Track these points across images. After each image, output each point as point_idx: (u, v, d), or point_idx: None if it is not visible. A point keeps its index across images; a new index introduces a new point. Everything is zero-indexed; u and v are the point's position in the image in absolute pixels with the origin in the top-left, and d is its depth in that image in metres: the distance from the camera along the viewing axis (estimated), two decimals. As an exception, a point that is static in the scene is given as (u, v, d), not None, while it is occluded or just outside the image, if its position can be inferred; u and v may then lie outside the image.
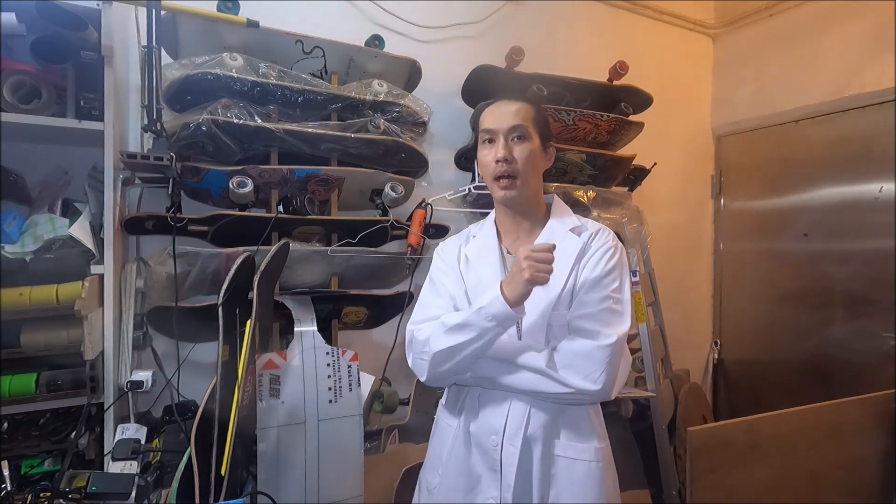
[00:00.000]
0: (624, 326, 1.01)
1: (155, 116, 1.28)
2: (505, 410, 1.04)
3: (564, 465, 1.03)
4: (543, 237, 1.10)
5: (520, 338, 1.06)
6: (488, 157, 1.07)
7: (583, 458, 1.04)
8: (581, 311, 1.02)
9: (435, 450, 1.15)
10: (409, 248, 1.68)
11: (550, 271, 0.93)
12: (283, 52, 1.60)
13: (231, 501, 1.01)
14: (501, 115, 1.07)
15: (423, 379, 1.07)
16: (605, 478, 1.05)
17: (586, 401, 1.05)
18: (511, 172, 1.05)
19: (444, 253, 1.20)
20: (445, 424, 1.14)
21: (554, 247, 0.95)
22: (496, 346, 1.03)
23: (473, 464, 1.06)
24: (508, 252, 1.12)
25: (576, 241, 1.08)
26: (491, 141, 1.08)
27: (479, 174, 1.64)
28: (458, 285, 1.12)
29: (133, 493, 1.05)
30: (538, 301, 1.04)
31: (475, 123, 1.14)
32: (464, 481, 1.06)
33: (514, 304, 0.95)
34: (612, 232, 1.13)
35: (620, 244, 1.11)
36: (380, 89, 1.66)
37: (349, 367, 1.46)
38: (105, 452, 1.33)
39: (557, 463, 1.03)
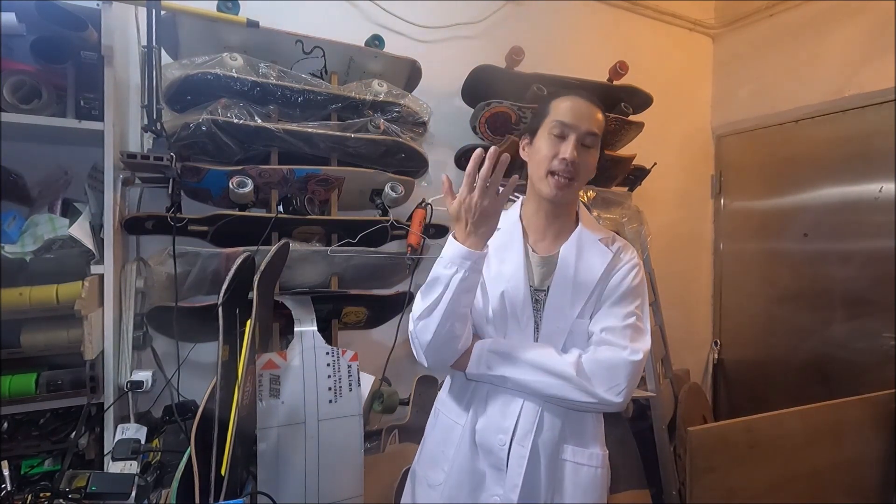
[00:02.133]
0: (647, 344, 1.03)
1: (155, 116, 1.28)
2: (515, 411, 1.04)
3: (571, 469, 1.05)
4: (573, 242, 1.09)
5: (536, 340, 1.05)
6: (552, 150, 1.02)
7: (590, 465, 1.06)
8: (606, 323, 1.03)
9: (437, 445, 1.13)
10: (409, 248, 1.68)
11: (492, 214, 0.93)
12: (283, 52, 1.60)
13: (231, 501, 1.01)
14: (582, 114, 1.03)
15: (422, 361, 1.02)
16: (605, 484, 1.08)
17: (600, 410, 1.05)
18: (573, 175, 1.02)
19: None
20: (450, 421, 1.13)
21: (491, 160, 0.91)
22: (516, 347, 1.02)
23: (477, 461, 1.07)
24: (533, 250, 1.10)
25: (605, 251, 1.08)
26: (562, 136, 1.03)
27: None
28: None
29: (133, 493, 1.05)
30: (563, 307, 1.04)
31: (541, 111, 1.09)
32: (468, 479, 1.06)
33: (471, 247, 0.93)
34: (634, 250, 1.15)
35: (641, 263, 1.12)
36: (380, 89, 1.66)
37: (349, 367, 1.46)
38: (105, 452, 1.33)
39: (564, 467, 1.05)
